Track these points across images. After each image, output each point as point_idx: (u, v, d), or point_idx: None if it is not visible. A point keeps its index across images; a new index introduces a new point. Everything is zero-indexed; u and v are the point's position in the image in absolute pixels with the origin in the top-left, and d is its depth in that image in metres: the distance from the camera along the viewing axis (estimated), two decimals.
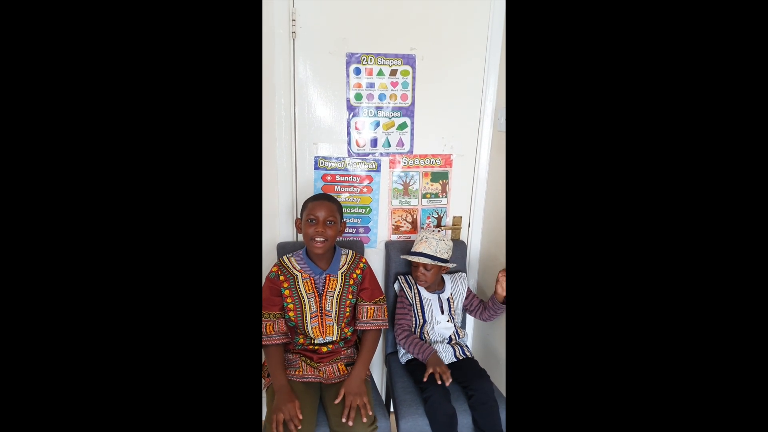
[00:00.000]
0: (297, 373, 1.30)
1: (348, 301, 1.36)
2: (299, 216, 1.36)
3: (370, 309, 1.37)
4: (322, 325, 1.35)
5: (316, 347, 1.36)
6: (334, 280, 1.35)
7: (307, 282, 1.34)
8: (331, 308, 1.34)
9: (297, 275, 1.34)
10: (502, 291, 1.40)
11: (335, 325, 1.35)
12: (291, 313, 1.34)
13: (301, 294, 1.33)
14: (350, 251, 1.42)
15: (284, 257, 1.38)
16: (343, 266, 1.37)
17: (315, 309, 1.34)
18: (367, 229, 1.66)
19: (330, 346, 1.37)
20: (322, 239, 1.28)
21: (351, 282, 1.37)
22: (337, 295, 1.34)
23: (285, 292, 1.33)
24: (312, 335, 1.34)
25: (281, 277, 1.34)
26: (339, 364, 1.35)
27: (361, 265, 1.40)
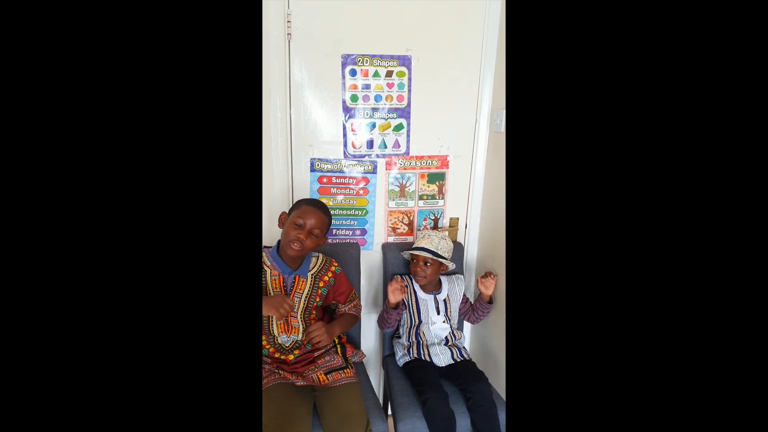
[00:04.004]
0: (283, 375, 1.28)
1: (315, 303, 1.35)
2: (287, 211, 1.35)
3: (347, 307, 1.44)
4: (286, 323, 1.33)
5: (282, 357, 1.32)
6: (303, 282, 1.34)
7: (275, 279, 1.32)
8: (298, 308, 1.33)
9: (266, 270, 1.32)
10: (485, 290, 1.47)
11: (300, 325, 1.33)
12: None
13: (269, 289, 1.31)
14: (321, 255, 1.41)
15: None
16: (313, 268, 1.36)
17: None
18: (364, 231, 1.66)
19: (296, 352, 1.33)
20: (298, 246, 1.25)
21: (321, 284, 1.36)
22: (305, 296, 1.34)
23: None
24: (276, 332, 1.31)
25: None
26: (325, 370, 1.32)
27: (333, 268, 1.40)
